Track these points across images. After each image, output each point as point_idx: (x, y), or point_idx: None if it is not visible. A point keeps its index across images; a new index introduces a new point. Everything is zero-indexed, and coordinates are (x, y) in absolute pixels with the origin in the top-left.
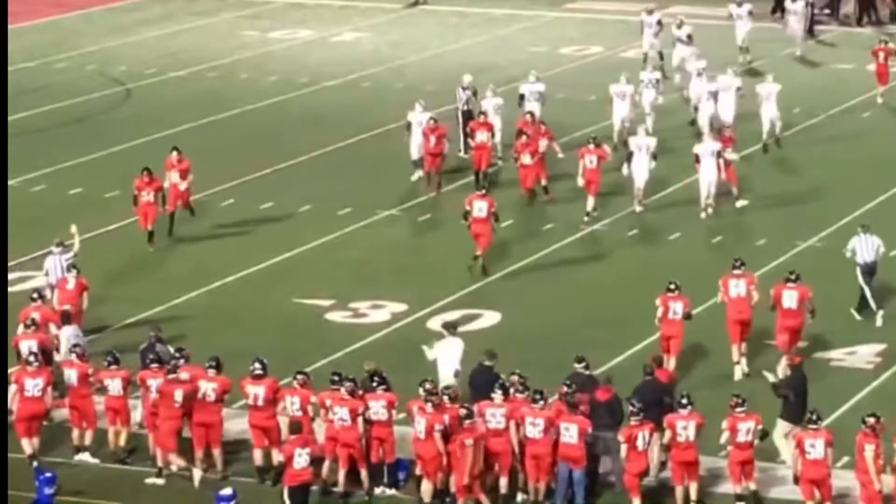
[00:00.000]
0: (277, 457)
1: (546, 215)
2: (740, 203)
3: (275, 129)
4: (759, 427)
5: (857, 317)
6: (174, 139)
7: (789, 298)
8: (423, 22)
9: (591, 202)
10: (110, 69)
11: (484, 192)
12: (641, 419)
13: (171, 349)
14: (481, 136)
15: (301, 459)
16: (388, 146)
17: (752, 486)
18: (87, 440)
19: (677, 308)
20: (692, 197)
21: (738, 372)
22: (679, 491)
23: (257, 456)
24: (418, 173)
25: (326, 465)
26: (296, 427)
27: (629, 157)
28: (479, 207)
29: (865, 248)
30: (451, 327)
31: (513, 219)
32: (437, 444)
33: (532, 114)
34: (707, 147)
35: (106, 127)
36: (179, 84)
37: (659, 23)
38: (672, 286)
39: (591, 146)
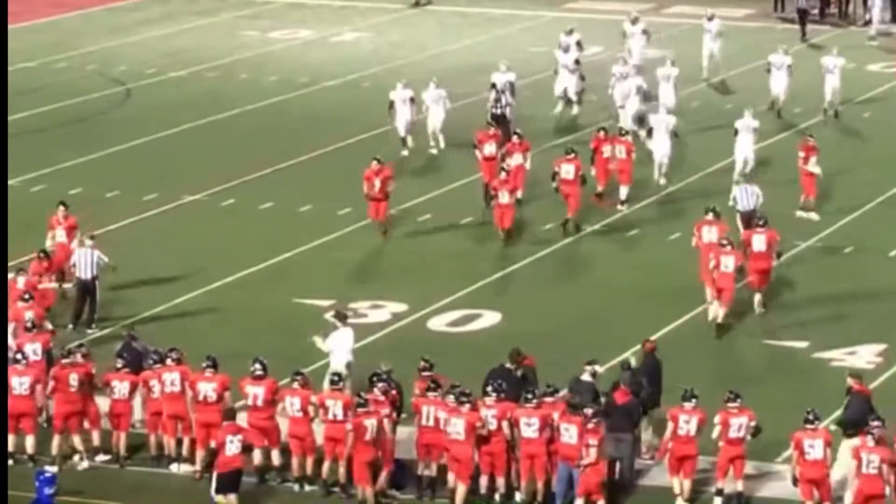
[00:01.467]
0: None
1: (546, 215)
2: (810, 215)
3: (275, 129)
4: (753, 423)
5: None
6: (174, 139)
7: (759, 242)
8: (423, 22)
9: (623, 191)
10: (110, 69)
11: (573, 154)
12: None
13: (150, 347)
14: (489, 148)
15: (232, 446)
16: (389, 146)
17: (740, 485)
18: (95, 441)
19: (728, 262)
20: (692, 197)
21: (711, 312)
22: (675, 483)
23: (257, 456)
24: (406, 151)
25: (326, 465)
26: (230, 414)
27: (650, 133)
28: (567, 170)
29: (746, 196)
30: (341, 317)
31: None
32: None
33: (498, 122)
34: (746, 122)
35: (106, 127)
36: (179, 84)
37: (644, 31)
38: (724, 242)
39: (620, 136)
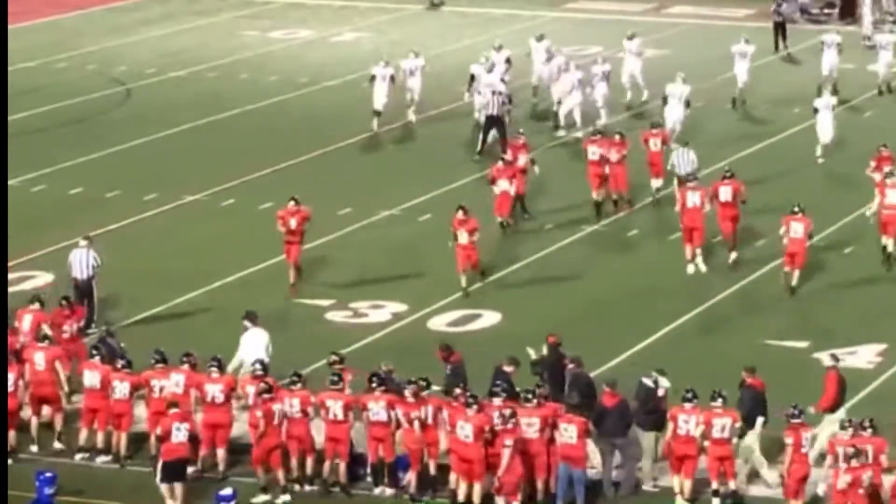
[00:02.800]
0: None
1: (546, 215)
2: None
3: (275, 129)
4: (737, 424)
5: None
6: (174, 139)
7: (725, 193)
8: (423, 22)
9: (655, 183)
10: (110, 69)
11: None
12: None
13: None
14: (503, 185)
15: (179, 434)
16: (388, 146)
17: (732, 485)
18: (100, 442)
19: (798, 228)
20: None
21: (691, 268)
22: (676, 481)
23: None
24: (376, 122)
25: (327, 465)
26: (174, 403)
27: (664, 100)
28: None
29: (683, 161)
30: (252, 318)
31: (512, 219)
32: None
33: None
34: (824, 101)
35: (106, 127)
36: (179, 84)
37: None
38: (796, 209)
39: (654, 130)
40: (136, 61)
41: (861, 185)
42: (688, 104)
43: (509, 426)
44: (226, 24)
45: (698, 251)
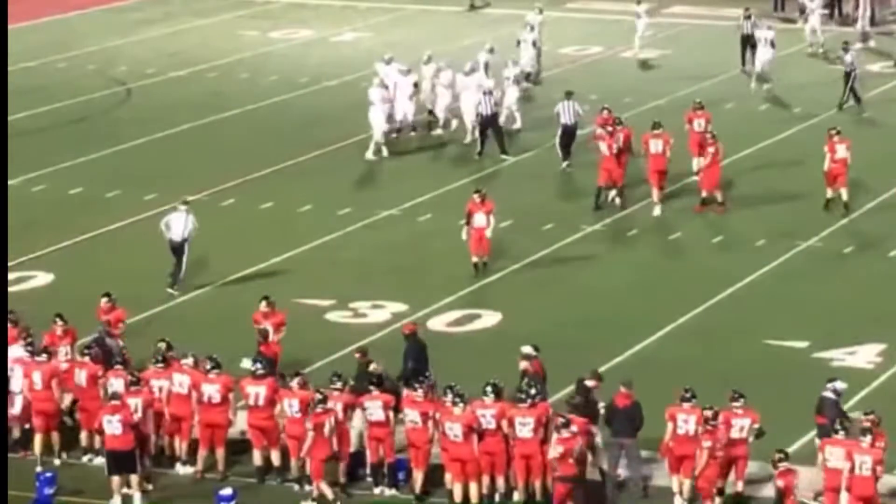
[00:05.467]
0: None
1: (546, 215)
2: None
3: (275, 129)
4: (756, 426)
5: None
6: (174, 139)
7: (655, 145)
8: (423, 22)
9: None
10: (110, 69)
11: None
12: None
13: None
14: (479, 220)
15: (111, 426)
16: (388, 146)
17: (741, 485)
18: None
19: (840, 149)
20: (692, 197)
21: (657, 210)
22: (674, 481)
23: (257, 456)
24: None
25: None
26: (114, 396)
27: (753, 46)
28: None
29: (567, 112)
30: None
31: (512, 219)
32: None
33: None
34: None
35: (106, 127)
36: (179, 84)
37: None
38: (833, 132)
39: (698, 110)
40: (136, 61)
41: (858, 187)
42: (773, 45)
43: (708, 428)
44: (226, 24)
45: (655, 191)
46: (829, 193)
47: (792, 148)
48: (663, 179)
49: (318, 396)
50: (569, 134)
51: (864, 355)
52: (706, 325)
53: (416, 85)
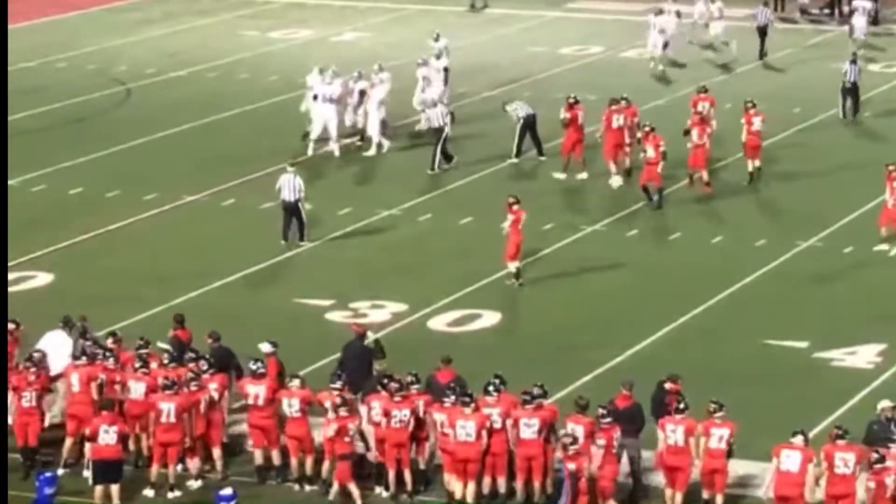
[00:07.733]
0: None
1: (546, 215)
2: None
3: (275, 129)
4: (731, 439)
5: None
6: (174, 139)
7: (616, 121)
8: (423, 22)
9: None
10: (110, 69)
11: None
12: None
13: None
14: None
15: (107, 436)
16: (388, 146)
17: (720, 499)
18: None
19: (756, 121)
20: (692, 196)
21: (615, 182)
22: (668, 494)
23: (257, 456)
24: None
25: (327, 464)
26: (107, 404)
27: (851, 13)
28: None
29: (525, 108)
30: (67, 324)
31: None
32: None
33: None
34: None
35: (106, 127)
36: (179, 84)
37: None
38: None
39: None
40: (136, 61)
41: (858, 187)
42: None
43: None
44: (226, 24)
45: (612, 165)
46: (750, 166)
47: (792, 148)
48: (620, 153)
49: (339, 400)
50: (532, 127)
51: (864, 355)
52: (706, 325)
53: (362, 93)
